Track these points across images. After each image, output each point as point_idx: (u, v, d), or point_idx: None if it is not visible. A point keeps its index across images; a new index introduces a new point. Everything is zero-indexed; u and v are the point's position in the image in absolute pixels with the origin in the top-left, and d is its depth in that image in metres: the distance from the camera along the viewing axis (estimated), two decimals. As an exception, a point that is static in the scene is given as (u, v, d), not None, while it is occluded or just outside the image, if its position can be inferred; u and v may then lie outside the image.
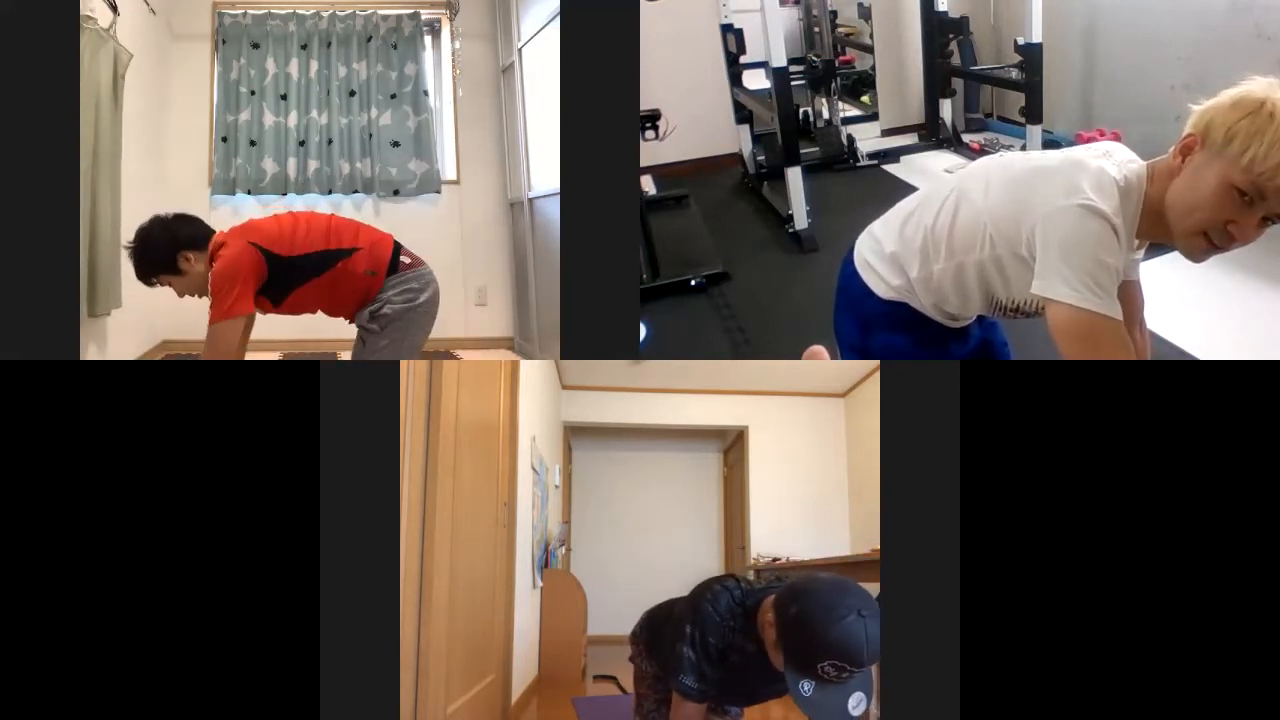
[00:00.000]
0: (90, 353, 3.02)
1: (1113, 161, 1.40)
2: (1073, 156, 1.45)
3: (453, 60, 4.52)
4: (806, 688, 1.41)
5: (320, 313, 2.44)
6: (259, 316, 2.46)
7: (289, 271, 2.29)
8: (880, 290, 1.66)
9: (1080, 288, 1.33)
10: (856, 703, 1.43)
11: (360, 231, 2.37)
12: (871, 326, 1.69)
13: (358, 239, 2.35)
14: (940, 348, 1.69)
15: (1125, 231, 1.37)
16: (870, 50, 5.00)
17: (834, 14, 4.42)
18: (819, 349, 1.98)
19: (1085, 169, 1.38)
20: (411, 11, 4.50)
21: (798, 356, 2.05)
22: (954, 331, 1.68)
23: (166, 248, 2.26)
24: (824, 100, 4.80)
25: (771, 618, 1.49)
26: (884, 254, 1.65)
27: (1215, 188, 1.33)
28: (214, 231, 2.31)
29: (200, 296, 2.31)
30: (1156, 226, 1.44)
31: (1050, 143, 3.91)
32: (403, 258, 2.38)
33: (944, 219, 1.54)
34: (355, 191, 4.45)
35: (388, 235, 2.41)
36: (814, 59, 4.61)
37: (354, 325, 2.45)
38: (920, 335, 1.66)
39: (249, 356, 2.58)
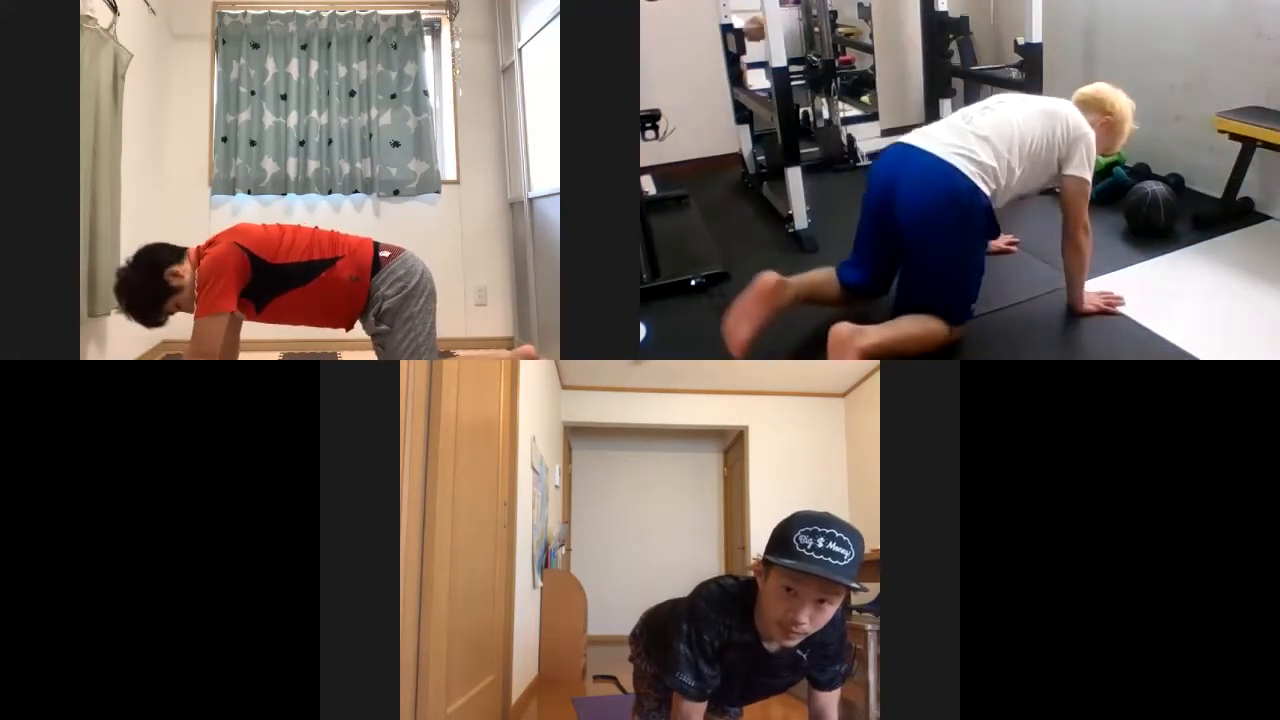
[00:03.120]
0: (90, 353, 3.02)
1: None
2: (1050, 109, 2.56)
3: (453, 60, 4.52)
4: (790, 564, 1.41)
5: (311, 325, 2.48)
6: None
7: (272, 278, 2.34)
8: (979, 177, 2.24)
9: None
10: (841, 548, 1.42)
11: (339, 241, 2.44)
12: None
13: (338, 248, 2.41)
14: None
15: None
16: (870, 50, 4.99)
17: (834, 14, 4.39)
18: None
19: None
20: (411, 11, 4.50)
21: (797, 357, 2.05)
22: None
23: (151, 278, 2.31)
24: (824, 100, 4.79)
25: (760, 564, 1.49)
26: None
27: None
28: (182, 247, 2.36)
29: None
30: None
31: (1050, 143, 3.90)
32: (382, 253, 2.44)
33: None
34: (355, 191, 4.45)
35: (366, 239, 2.48)
36: (814, 59, 4.60)
37: (352, 333, 2.50)
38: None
39: (248, 357, 2.59)
